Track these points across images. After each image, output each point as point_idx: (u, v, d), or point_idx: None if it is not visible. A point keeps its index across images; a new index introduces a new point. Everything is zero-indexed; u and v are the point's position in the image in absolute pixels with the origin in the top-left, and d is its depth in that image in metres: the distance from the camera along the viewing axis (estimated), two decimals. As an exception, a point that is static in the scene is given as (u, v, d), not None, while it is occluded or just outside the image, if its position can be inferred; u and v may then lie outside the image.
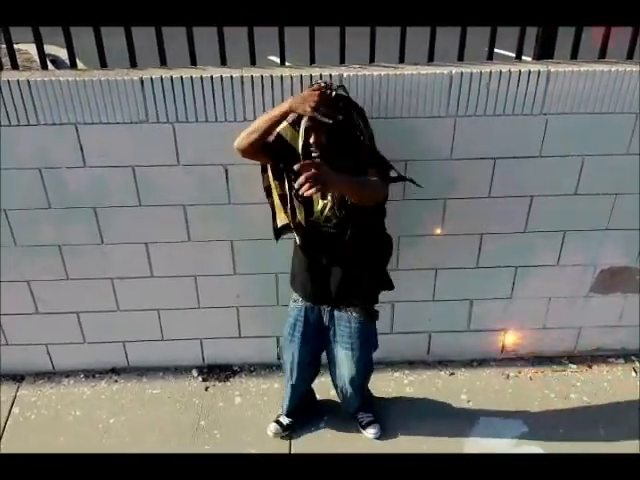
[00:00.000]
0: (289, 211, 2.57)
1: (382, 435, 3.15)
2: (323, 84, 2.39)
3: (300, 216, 2.53)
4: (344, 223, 2.45)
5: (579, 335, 3.56)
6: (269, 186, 2.67)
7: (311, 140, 2.36)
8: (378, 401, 3.32)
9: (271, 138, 2.46)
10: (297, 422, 3.18)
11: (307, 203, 2.50)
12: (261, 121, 2.42)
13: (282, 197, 2.64)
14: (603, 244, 3.23)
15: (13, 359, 3.44)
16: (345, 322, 2.75)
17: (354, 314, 2.72)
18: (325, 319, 2.78)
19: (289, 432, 3.17)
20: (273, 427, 3.16)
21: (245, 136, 2.45)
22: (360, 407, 3.17)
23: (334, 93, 2.35)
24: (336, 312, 2.74)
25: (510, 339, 3.54)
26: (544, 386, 3.46)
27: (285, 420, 3.17)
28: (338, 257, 2.58)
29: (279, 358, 3.12)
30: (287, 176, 2.54)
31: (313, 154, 2.37)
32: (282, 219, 2.71)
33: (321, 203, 2.49)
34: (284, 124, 2.45)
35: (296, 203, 2.51)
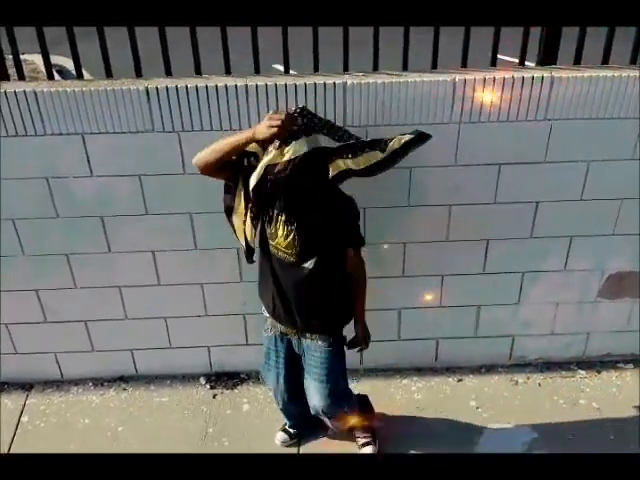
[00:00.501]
0: (247, 230, 2.53)
1: (389, 444, 3.14)
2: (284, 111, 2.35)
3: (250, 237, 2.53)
4: (304, 256, 2.47)
5: (587, 340, 3.54)
6: (230, 207, 2.58)
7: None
8: (380, 416, 3.24)
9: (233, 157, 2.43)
10: (304, 431, 3.18)
11: (271, 221, 2.48)
12: (223, 144, 2.37)
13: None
14: (610, 249, 3.22)
15: (22, 368, 3.47)
16: (313, 351, 2.71)
17: (319, 342, 2.69)
18: (295, 346, 2.77)
19: (297, 440, 3.16)
20: (280, 436, 3.16)
21: (204, 155, 2.41)
22: (359, 425, 3.08)
23: (294, 110, 2.31)
24: (303, 340, 2.72)
25: (518, 345, 3.53)
26: (553, 392, 3.45)
27: (292, 429, 3.17)
28: (299, 285, 2.54)
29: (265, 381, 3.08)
30: (245, 193, 2.48)
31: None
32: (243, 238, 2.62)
33: (286, 228, 2.45)
34: (253, 145, 2.40)
35: (249, 223, 2.51)
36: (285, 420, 3.16)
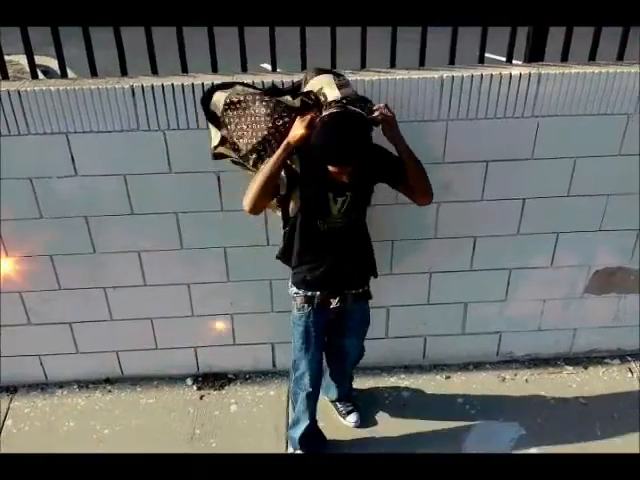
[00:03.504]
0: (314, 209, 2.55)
1: (377, 441, 3.14)
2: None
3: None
4: (354, 215, 2.57)
5: (574, 336, 3.56)
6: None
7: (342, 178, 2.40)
8: (358, 392, 3.37)
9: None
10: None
11: (324, 206, 2.52)
12: (265, 174, 2.40)
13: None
14: (596, 245, 3.24)
15: (6, 371, 3.41)
16: (357, 310, 2.80)
17: (362, 300, 2.79)
18: (332, 317, 2.79)
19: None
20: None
21: (253, 197, 2.44)
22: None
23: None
24: (346, 305, 2.74)
25: (505, 341, 3.54)
26: (540, 388, 3.46)
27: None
28: (351, 240, 2.63)
29: (294, 369, 2.94)
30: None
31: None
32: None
33: (339, 201, 2.51)
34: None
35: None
36: (304, 419, 2.99)
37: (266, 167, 2.40)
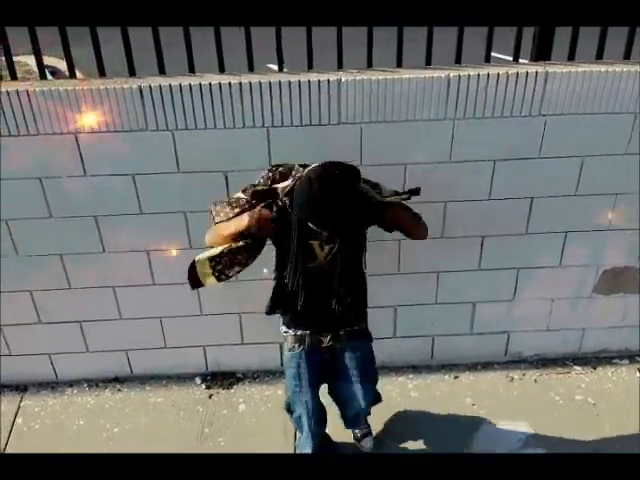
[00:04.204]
0: (292, 265, 2.39)
1: (386, 441, 3.13)
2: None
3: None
4: (340, 257, 2.40)
5: (583, 336, 3.55)
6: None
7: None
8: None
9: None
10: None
11: (310, 254, 2.40)
12: (222, 235, 2.38)
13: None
14: (605, 245, 3.22)
15: (16, 369, 3.44)
16: (353, 350, 2.66)
17: (361, 333, 2.66)
18: (327, 356, 2.68)
19: None
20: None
21: (214, 240, 2.44)
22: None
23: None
24: (338, 345, 2.64)
25: (514, 341, 3.53)
26: (549, 388, 3.45)
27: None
28: (340, 284, 2.45)
29: (289, 411, 2.87)
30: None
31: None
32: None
33: (326, 248, 2.40)
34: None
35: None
36: (310, 446, 2.90)
37: (223, 230, 2.37)
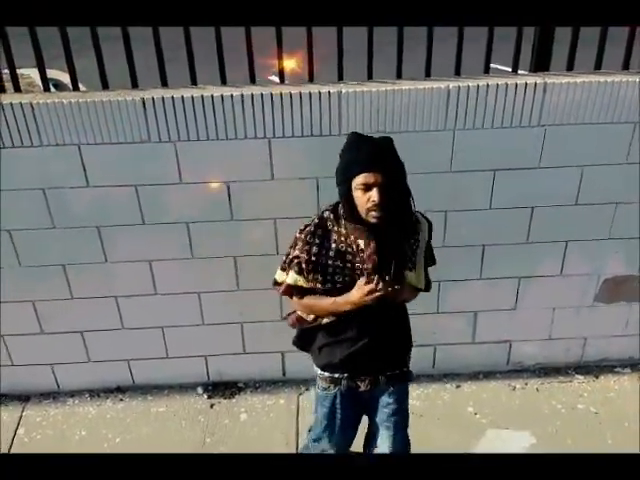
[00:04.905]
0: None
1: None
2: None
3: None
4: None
5: (585, 345, 3.55)
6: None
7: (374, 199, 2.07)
8: None
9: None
10: None
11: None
12: (323, 311, 2.27)
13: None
14: (605, 253, 3.23)
15: (18, 379, 3.45)
16: (389, 395, 2.46)
17: (399, 383, 2.47)
18: (366, 395, 2.46)
19: None
20: None
21: (315, 314, 2.32)
22: None
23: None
24: (379, 386, 2.43)
25: (516, 350, 3.54)
26: (551, 397, 3.45)
27: None
28: (384, 320, 2.32)
29: (313, 438, 2.61)
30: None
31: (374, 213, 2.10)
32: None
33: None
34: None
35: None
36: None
37: (326, 308, 2.25)
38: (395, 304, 2.30)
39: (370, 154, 2.07)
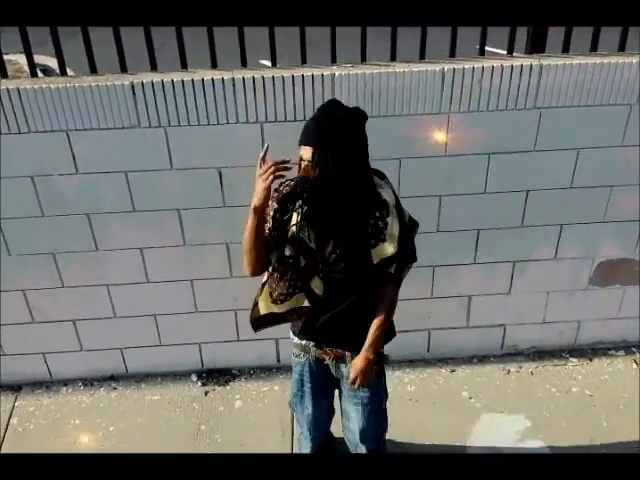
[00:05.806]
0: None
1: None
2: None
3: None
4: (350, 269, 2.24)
5: (579, 328, 3.55)
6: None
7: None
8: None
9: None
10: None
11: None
12: (245, 240, 2.21)
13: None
14: (600, 236, 3.23)
15: (10, 369, 3.42)
16: (354, 395, 2.48)
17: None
18: (332, 370, 2.50)
19: None
20: None
21: (245, 262, 2.26)
22: None
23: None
24: (342, 366, 2.45)
25: (510, 334, 3.54)
26: (545, 380, 3.46)
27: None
28: (348, 302, 2.31)
29: (294, 410, 2.73)
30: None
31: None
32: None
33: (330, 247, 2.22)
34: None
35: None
36: (308, 446, 2.79)
37: (244, 237, 2.22)
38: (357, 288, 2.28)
39: (306, 127, 2.08)
